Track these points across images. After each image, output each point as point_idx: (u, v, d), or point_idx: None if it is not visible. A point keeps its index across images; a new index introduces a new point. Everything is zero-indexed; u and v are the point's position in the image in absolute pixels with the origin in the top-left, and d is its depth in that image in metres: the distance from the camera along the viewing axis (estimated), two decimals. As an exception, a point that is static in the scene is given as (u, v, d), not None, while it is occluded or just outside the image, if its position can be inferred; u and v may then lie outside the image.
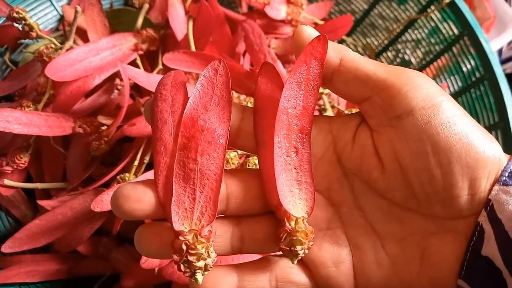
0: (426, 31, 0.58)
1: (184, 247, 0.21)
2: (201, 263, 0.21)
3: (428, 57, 0.59)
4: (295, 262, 0.23)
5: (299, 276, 0.25)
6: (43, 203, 0.43)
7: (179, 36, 0.47)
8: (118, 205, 0.22)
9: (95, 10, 0.46)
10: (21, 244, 0.41)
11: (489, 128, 0.48)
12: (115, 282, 0.46)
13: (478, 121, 0.23)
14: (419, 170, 0.23)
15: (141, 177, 0.41)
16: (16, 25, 0.45)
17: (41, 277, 0.44)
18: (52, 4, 0.52)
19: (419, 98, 0.23)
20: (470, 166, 0.22)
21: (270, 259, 0.25)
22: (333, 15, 0.65)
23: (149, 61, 0.51)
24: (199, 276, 0.22)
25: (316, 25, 0.54)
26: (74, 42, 0.46)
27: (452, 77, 0.56)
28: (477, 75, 0.52)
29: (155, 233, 0.23)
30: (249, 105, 0.43)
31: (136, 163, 0.42)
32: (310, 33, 0.24)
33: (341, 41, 0.64)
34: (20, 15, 0.43)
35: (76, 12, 0.43)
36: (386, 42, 0.62)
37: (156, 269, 0.39)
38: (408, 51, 0.61)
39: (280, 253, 0.24)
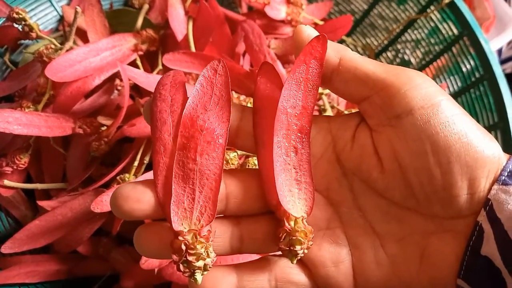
0: (425, 31, 0.58)
1: (183, 247, 0.21)
2: (200, 263, 0.21)
3: (428, 57, 0.59)
4: (295, 262, 0.23)
5: (298, 276, 0.25)
6: (43, 203, 0.43)
7: (179, 36, 0.47)
8: (117, 205, 0.22)
9: (95, 10, 0.46)
10: (21, 244, 0.41)
11: (489, 128, 0.48)
12: (115, 283, 0.46)
13: (478, 121, 0.23)
14: (418, 170, 0.23)
15: (141, 178, 0.41)
16: (16, 25, 0.45)
17: (41, 277, 0.44)
18: (52, 4, 0.52)
19: (418, 98, 0.23)
20: (469, 165, 0.22)
21: (270, 259, 0.25)
22: (333, 15, 0.65)
23: (149, 61, 0.51)
24: (198, 276, 0.22)
25: (316, 25, 0.54)
26: (74, 42, 0.47)
27: (451, 77, 0.56)
28: (477, 75, 0.52)
29: (154, 233, 0.23)
30: (248, 105, 0.43)
31: (136, 163, 0.42)
32: (310, 33, 0.24)
33: (341, 41, 0.64)
34: (20, 16, 0.43)
35: (76, 12, 0.43)
36: (385, 42, 0.62)
37: (156, 270, 0.39)
38: (407, 51, 0.61)
39: (280, 253, 0.24)
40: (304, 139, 0.24)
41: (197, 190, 0.22)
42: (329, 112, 0.49)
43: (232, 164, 0.38)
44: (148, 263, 0.38)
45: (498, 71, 0.49)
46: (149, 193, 0.22)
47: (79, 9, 0.43)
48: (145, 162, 0.42)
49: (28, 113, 0.41)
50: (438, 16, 0.55)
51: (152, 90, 0.37)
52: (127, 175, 0.41)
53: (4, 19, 0.45)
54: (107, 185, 0.42)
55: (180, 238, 0.21)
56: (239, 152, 0.40)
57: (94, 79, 0.44)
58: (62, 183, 0.46)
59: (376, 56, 0.64)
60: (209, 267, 0.22)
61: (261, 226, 0.24)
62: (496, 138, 0.47)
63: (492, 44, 0.68)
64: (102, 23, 0.47)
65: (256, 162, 0.37)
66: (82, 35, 0.49)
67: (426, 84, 0.23)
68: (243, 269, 0.25)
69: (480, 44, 0.50)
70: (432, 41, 0.57)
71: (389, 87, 0.23)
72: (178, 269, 0.22)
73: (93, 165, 0.45)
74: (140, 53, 0.47)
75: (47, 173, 0.47)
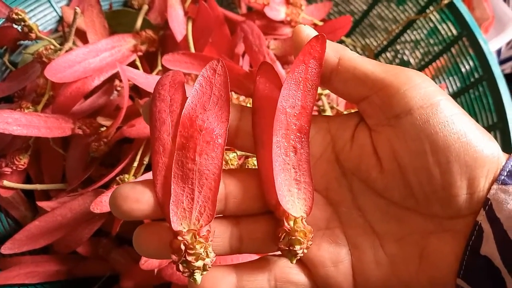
0: (425, 31, 0.58)
1: (182, 247, 0.21)
2: (199, 263, 0.21)
3: (427, 57, 0.59)
4: (294, 261, 0.23)
5: (298, 275, 0.25)
6: (42, 204, 0.43)
7: (178, 37, 0.47)
8: (116, 205, 0.22)
9: (94, 11, 0.47)
10: (20, 245, 0.41)
11: (488, 129, 0.49)
12: (115, 283, 0.46)
13: (477, 122, 0.23)
14: (417, 169, 0.23)
15: (141, 178, 0.41)
16: (15, 26, 0.45)
17: (41, 278, 0.44)
18: (52, 5, 0.52)
19: (417, 97, 0.23)
20: (468, 165, 0.22)
21: (269, 259, 0.25)
22: (332, 16, 0.65)
23: (149, 62, 0.51)
24: (197, 276, 0.22)
25: (315, 26, 0.54)
26: (74, 43, 0.46)
27: (451, 78, 0.56)
28: (476, 75, 0.52)
29: (153, 233, 0.23)
30: (248, 105, 0.43)
31: (135, 164, 0.42)
32: (309, 32, 0.24)
33: (340, 42, 0.64)
34: (20, 16, 0.43)
35: (75, 13, 0.43)
36: (385, 42, 0.62)
37: (156, 270, 0.39)
38: (407, 52, 0.61)
39: (279, 252, 0.24)
40: (303, 139, 0.24)
41: (196, 190, 0.22)
42: (329, 113, 0.49)
43: (232, 164, 0.38)
44: (148, 263, 0.38)
45: (497, 71, 0.49)
46: (148, 193, 0.22)
47: (78, 10, 0.43)
48: (145, 162, 0.42)
49: (27, 114, 0.41)
50: (437, 16, 0.55)
51: (152, 90, 0.37)
52: (126, 175, 0.41)
53: (4, 19, 0.45)
54: (106, 186, 0.42)
55: (179, 238, 0.21)
56: (239, 152, 0.40)
57: (93, 80, 0.44)
58: (61, 184, 0.46)
59: (376, 56, 0.64)
60: (209, 267, 0.22)
61: (261, 226, 0.24)
62: (495, 138, 0.47)
63: (491, 45, 0.68)
64: (102, 24, 0.47)
65: (255, 162, 0.37)
66: (82, 36, 0.49)
67: (425, 84, 0.23)
68: (243, 269, 0.25)
69: (479, 44, 0.50)
70: (431, 41, 0.57)
71: (388, 87, 0.23)
72: (178, 269, 0.22)
73: (93, 166, 0.45)
74: (140, 53, 0.47)
75: (46, 174, 0.47)
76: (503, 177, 0.22)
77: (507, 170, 0.23)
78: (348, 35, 0.66)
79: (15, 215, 0.47)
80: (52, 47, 0.44)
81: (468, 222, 0.23)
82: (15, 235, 0.41)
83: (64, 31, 0.52)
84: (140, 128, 0.42)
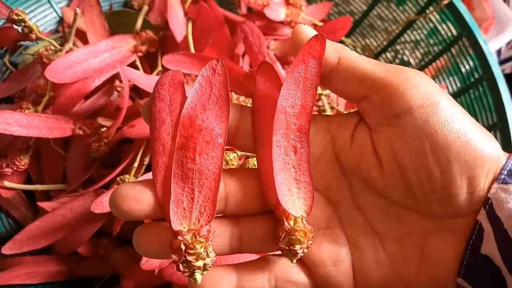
0: (425, 32, 0.58)
1: (182, 247, 0.21)
2: (200, 263, 0.21)
3: (427, 58, 0.59)
4: (294, 261, 0.23)
5: (298, 275, 0.25)
6: (43, 204, 0.43)
7: (179, 37, 0.48)
8: (116, 205, 0.22)
9: (94, 12, 0.47)
10: (21, 245, 0.41)
11: (488, 129, 0.48)
12: (115, 284, 0.46)
13: (477, 122, 0.24)
14: (417, 169, 0.23)
15: (141, 179, 0.41)
16: (15, 27, 0.45)
17: (42, 278, 0.44)
18: (52, 6, 0.53)
19: (417, 97, 0.23)
20: (468, 164, 0.22)
21: (269, 258, 0.25)
22: (332, 16, 0.65)
23: (149, 62, 0.51)
24: (198, 276, 0.22)
25: (315, 26, 0.54)
26: (74, 44, 0.47)
27: (451, 78, 0.56)
28: (476, 75, 0.52)
29: (153, 233, 0.23)
30: (248, 105, 0.43)
31: (136, 164, 0.42)
32: (308, 32, 0.24)
33: (340, 42, 0.64)
34: (20, 17, 0.43)
35: (75, 14, 0.43)
36: (385, 43, 0.62)
37: (156, 271, 0.39)
38: (407, 52, 0.61)
39: (279, 252, 0.24)
40: (303, 139, 0.24)
41: (196, 189, 0.22)
42: (329, 113, 0.49)
43: (232, 165, 0.38)
44: (149, 263, 0.38)
45: (497, 71, 0.49)
46: (148, 193, 0.22)
47: (78, 11, 0.43)
48: (145, 163, 0.42)
49: (28, 115, 0.41)
50: (437, 17, 0.55)
51: (152, 91, 0.37)
52: (127, 176, 0.41)
53: (4, 20, 0.45)
54: (107, 186, 0.42)
55: (180, 238, 0.21)
56: (239, 152, 0.40)
57: (93, 81, 0.44)
58: (62, 184, 0.46)
59: (376, 57, 0.65)
60: (209, 267, 0.22)
61: (261, 226, 0.24)
62: (495, 138, 0.47)
63: (491, 45, 0.68)
64: (102, 25, 0.47)
65: (256, 163, 0.37)
66: (82, 37, 0.49)
67: (425, 83, 0.23)
68: (243, 269, 0.24)
69: (479, 44, 0.50)
70: (431, 41, 0.58)
71: (388, 86, 0.23)
72: (178, 269, 0.22)
73: (93, 166, 0.45)
74: (140, 54, 0.47)
75: (47, 174, 0.47)
76: (503, 176, 0.22)
77: (508, 169, 0.23)
78: (348, 35, 0.66)
79: (15, 215, 0.47)
80: (52, 47, 0.44)
81: (469, 222, 0.23)
82: (15, 235, 0.41)
83: (64, 31, 0.52)
84: (140, 128, 0.42)
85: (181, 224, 0.22)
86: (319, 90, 0.49)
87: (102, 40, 0.45)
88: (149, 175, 0.41)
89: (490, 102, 0.49)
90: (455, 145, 0.22)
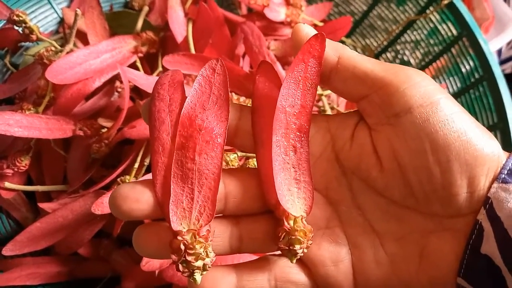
0: (425, 32, 0.58)
1: (182, 247, 0.21)
2: (199, 263, 0.21)
3: (427, 58, 0.59)
4: (294, 261, 0.23)
5: (298, 275, 0.25)
6: (43, 205, 0.43)
7: (179, 38, 0.48)
8: (116, 205, 0.22)
9: (95, 12, 0.47)
10: (22, 247, 0.41)
11: (488, 129, 0.48)
12: (116, 284, 0.46)
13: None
14: (417, 168, 0.23)
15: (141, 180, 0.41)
16: (16, 28, 0.45)
17: (42, 279, 0.44)
18: (52, 6, 0.53)
19: (417, 96, 0.23)
20: (468, 163, 0.22)
21: (269, 258, 0.25)
22: (332, 16, 0.65)
23: (149, 63, 0.51)
24: (197, 276, 0.22)
25: (315, 27, 0.54)
26: (74, 44, 0.47)
27: (451, 78, 0.56)
28: (476, 76, 0.52)
29: (153, 233, 0.23)
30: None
31: (136, 165, 0.42)
32: (308, 31, 0.24)
33: (341, 43, 0.63)
34: (20, 18, 0.44)
35: (76, 15, 0.43)
36: (385, 43, 0.62)
37: (157, 272, 0.39)
38: (407, 52, 0.61)
39: (279, 252, 0.24)
40: (303, 138, 0.24)
41: (196, 189, 0.22)
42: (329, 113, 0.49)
43: (232, 165, 0.38)
44: (149, 265, 0.38)
45: (498, 71, 0.49)
46: (147, 193, 0.22)
47: (79, 12, 0.43)
48: (146, 164, 0.42)
49: (28, 116, 0.41)
50: (437, 17, 0.55)
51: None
52: (127, 177, 0.41)
53: (5, 21, 0.45)
54: (107, 187, 0.42)
55: (179, 238, 0.21)
56: (239, 153, 0.40)
57: (94, 81, 0.44)
58: (62, 185, 0.46)
59: (376, 57, 0.64)
60: (208, 267, 0.22)
61: (261, 226, 0.24)
62: (496, 138, 0.47)
63: (491, 45, 0.68)
64: (102, 25, 0.47)
65: (256, 163, 0.37)
66: (82, 37, 0.49)
67: (425, 82, 0.23)
68: (243, 269, 0.24)
69: (479, 44, 0.50)
70: (432, 42, 0.57)
71: (387, 85, 0.23)
72: (177, 269, 0.22)
73: (94, 167, 0.45)
74: (140, 55, 0.47)
75: (47, 175, 0.47)
76: (503, 175, 0.22)
77: (508, 168, 0.22)
78: (348, 35, 0.66)
79: (16, 216, 0.47)
80: (53, 48, 0.44)
81: (469, 221, 0.23)
82: (16, 236, 0.41)
83: (65, 32, 0.52)
84: (141, 129, 0.42)
85: (181, 224, 0.22)
86: (320, 91, 0.49)
87: (102, 41, 0.46)
88: (149, 176, 0.41)
89: (490, 102, 0.49)
90: (455, 145, 0.22)
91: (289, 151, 0.24)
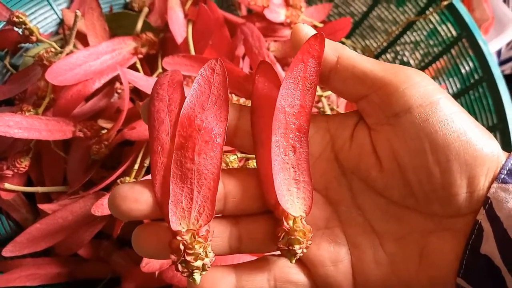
0: (424, 33, 0.58)
1: (181, 247, 0.21)
2: (198, 263, 0.21)
3: (427, 59, 0.59)
4: (294, 261, 0.23)
5: (297, 275, 0.25)
6: (43, 206, 0.43)
7: (179, 39, 0.48)
8: (115, 206, 0.22)
9: (95, 14, 0.47)
10: (21, 248, 0.41)
11: (488, 130, 0.48)
12: (116, 285, 0.46)
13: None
14: (417, 168, 0.23)
15: (141, 180, 0.41)
16: (16, 29, 0.45)
17: (42, 280, 0.44)
18: (52, 8, 0.53)
19: (416, 96, 0.23)
20: (468, 163, 0.22)
21: (269, 258, 0.25)
22: (332, 17, 0.65)
23: (149, 64, 0.51)
24: (197, 276, 0.22)
25: (315, 28, 0.54)
26: (74, 46, 0.47)
27: (450, 79, 0.56)
28: (476, 76, 0.52)
29: (152, 233, 0.23)
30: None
31: (136, 166, 0.42)
32: (307, 31, 0.24)
33: (341, 43, 0.64)
34: (20, 19, 0.44)
35: (76, 16, 0.43)
36: (385, 44, 0.62)
37: (157, 273, 0.39)
38: (407, 53, 0.61)
39: (279, 252, 0.24)
40: (302, 138, 0.24)
41: (195, 189, 0.22)
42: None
43: (232, 166, 0.38)
44: (149, 266, 0.38)
45: (497, 72, 0.49)
46: (147, 193, 0.22)
47: (79, 13, 0.43)
48: (145, 165, 0.42)
49: (28, 117, 0.41)
50: (437, 18, 0.55)
51: (151, 92, 0.37)
52: (127, 178, 0.41)
53: (5, 22, 0.45)
54: (107, 188, 0.42)
55: (178, 238, 0.21)
56: (239, 155, 0.40)
57: (94, 83, 0.44)
58: (62, 187, 0.46)
59: (376, 58, 0.64)
60: (208, 267, 0.22)
61: (260, 226, 0.24)
62: (495, 139, 0.47)
63: (491, 46, 0.68)
64: (102, 27, 0.47)
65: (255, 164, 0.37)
66: (82, 39, 0.49)
67: (424, 82, 0.23)
68: (242, 269, 0.24)
69: (479, 45, 0.50)
70: (431, 42, 0.58)
71: (387, 85, 0.23)
72: (177, 269, 0.22)
73: (94, 168, 0.45)
74: (140, 56, 0.47)
75: (47, 177, 0.47)
76: (503, 175, 0.22)
77: (507, 168, 0.22)
78: (348, 36, 0.66)
79: (16, 217, 0.47)
80: (52, 50, 0.44)
81: (468, 221, 0.23)
82: (16, 237, 0.41)
83: (64, 33, 0.52)
84: (140, 130, 0.42)
85: (180, 224, 0.22)
86: (320, 92, 0.49)
87: (102, 42, 0.46)
88: (149, 177, 0.41)
89: (490, 103, 0.49)
90: (455, 145, 0.22)
91: (289, 151, 0.24)
